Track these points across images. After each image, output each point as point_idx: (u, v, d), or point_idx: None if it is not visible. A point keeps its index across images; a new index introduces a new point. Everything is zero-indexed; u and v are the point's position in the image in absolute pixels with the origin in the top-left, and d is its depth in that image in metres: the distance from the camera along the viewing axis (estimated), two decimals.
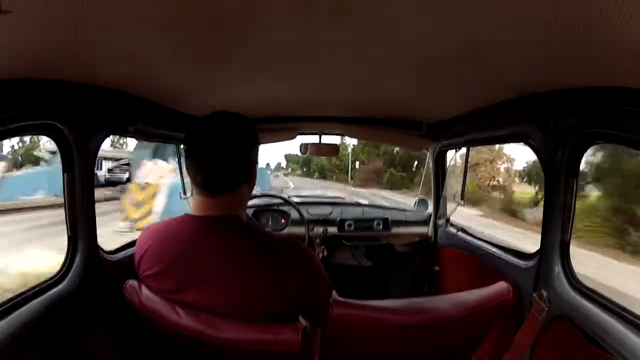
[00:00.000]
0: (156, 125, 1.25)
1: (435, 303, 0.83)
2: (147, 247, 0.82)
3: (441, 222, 1.92)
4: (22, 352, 0.71)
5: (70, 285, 0.89)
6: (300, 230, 1.93)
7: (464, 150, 1.76)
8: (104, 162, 15.99)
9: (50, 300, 0.82)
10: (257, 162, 0.86)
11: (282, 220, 2.05)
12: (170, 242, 0.81)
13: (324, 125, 1.86)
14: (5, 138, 0.74)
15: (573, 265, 1.01)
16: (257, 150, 0.85)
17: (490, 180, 15.63)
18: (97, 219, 0.96)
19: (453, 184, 1.91)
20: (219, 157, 0.78)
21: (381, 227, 2.04)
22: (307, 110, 1.64)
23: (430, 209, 2.03)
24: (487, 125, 1.30)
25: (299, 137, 1.97)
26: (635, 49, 0.58)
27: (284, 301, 0.75)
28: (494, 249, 1.42)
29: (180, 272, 0.77)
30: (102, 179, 14.98)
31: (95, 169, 1.02)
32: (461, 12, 0.54)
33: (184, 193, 1.79)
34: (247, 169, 0.82)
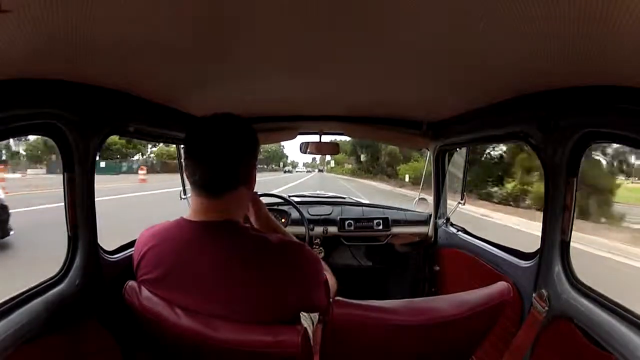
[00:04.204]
0: (156, 124, 1.25)
1: (436, 303, 0.83)
2: (145, 250, 0.82)
3: (441, 221, 1.92)
4: (23, 352, 0.71)
5: (70, 285, 0.89)
6: (300, 229, 1.93)
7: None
8: None
9: (50, 300, 0.82)
10: (256, 166, 0.85)
11: (282, 220, 2.04)
12: (168, 248, 0.80)
13: (324, 125, 1.86)
14: (5, 138, 0.74)
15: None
16: (256, 153, 0.84)
17: None
18: None
19: None
20: (218, 156, 0.77)
21: (381, 226, 2.04)
22: (307, 110, 1.64)
23: (431, 208, 2.03)
24: (487, 125, 1.30)
25: (299, 136, 1.97)
26: (635, 48, 0.58)
27: (283, 307, 0.75)
28: (494, 249, 1.42)
29: (178, 281, 0.77)
30: None
31: None
32: (461, 12, 0.54)
33: (184, 193, 1.79)
34: (247, 171, 0.81)
